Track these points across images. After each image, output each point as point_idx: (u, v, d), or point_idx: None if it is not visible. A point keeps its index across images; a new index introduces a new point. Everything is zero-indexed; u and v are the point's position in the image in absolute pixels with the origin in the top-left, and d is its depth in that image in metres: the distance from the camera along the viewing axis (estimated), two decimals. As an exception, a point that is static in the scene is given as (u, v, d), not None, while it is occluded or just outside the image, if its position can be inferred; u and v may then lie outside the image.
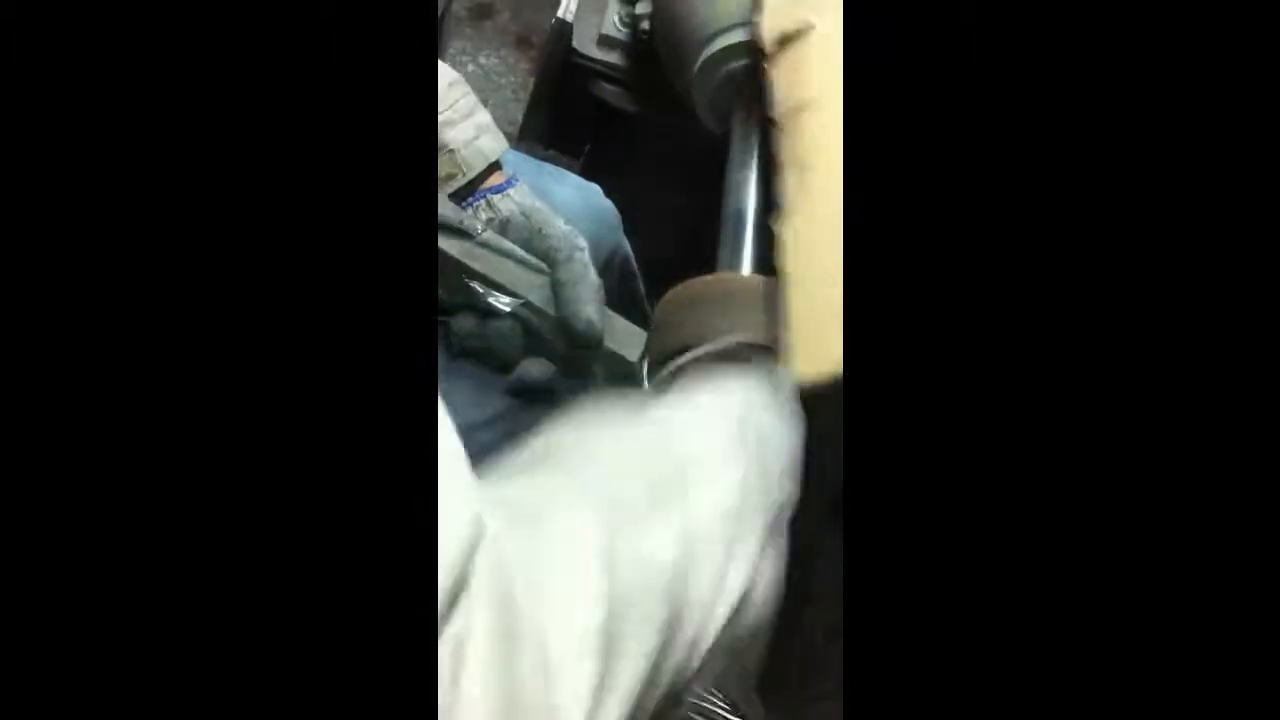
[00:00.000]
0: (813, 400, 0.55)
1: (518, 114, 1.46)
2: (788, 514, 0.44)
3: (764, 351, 0.57)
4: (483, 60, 1.56)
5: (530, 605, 0.28)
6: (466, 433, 0.73)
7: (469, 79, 0.73)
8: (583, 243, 0.72)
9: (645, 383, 0.72)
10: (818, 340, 0.54)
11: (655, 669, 0.32)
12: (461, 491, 0.28)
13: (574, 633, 0.29)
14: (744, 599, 0.38)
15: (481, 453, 0.75)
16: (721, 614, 0.37)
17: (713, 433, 0.42)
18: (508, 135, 0.84)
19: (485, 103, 0.75)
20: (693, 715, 0.65)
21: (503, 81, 1.56)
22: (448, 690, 0.26)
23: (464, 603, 0.27)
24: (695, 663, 0.35)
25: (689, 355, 0.57)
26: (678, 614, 0.34)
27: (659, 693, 0.33)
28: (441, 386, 0.77)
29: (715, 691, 0.67)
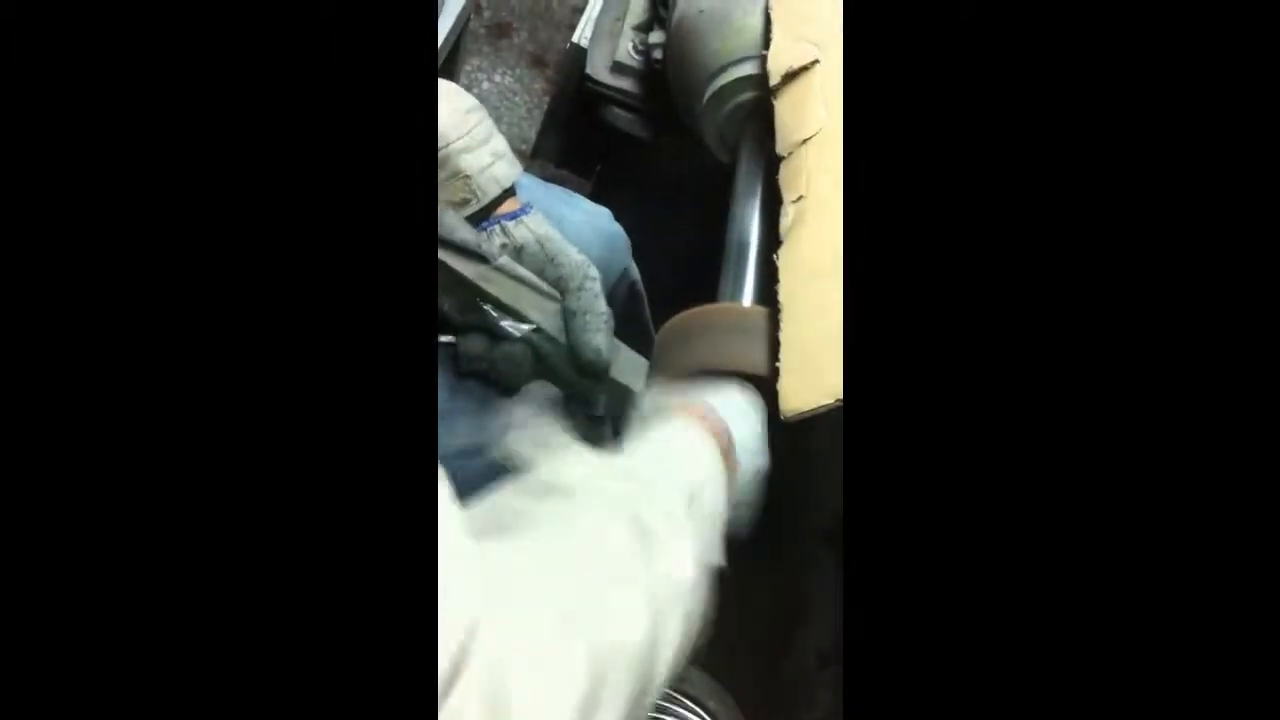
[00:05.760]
0: (806, 429, 0.55)
1: (531, 132, 1.48)
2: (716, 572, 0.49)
3: (757, 382, 0.58)
4: (498, 78, 1.58)
5: (519, 685, 0.32)
6: (468, 456, 0.74)
7: (483, 96, 0.74)
8: (594, 272, 0.73)
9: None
10: (809, 369, 0.55)
11: None
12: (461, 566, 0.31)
13: (557, 710, 0.34)
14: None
15: (482, 476, 0.76)
16: (674, 669, 0.43)
17: (670, 506, 0.47)
18: (520, 154, 0.85)
19: (499, 120, 0.76)
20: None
21: (517, 100, 1.57)
22: None
23: (460, 685, 0.30)
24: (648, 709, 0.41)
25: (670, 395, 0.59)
26: (645, 683, 0.39)
27: None
28: (445, 405, 0.76)
29: (700, 711, 0.68)
